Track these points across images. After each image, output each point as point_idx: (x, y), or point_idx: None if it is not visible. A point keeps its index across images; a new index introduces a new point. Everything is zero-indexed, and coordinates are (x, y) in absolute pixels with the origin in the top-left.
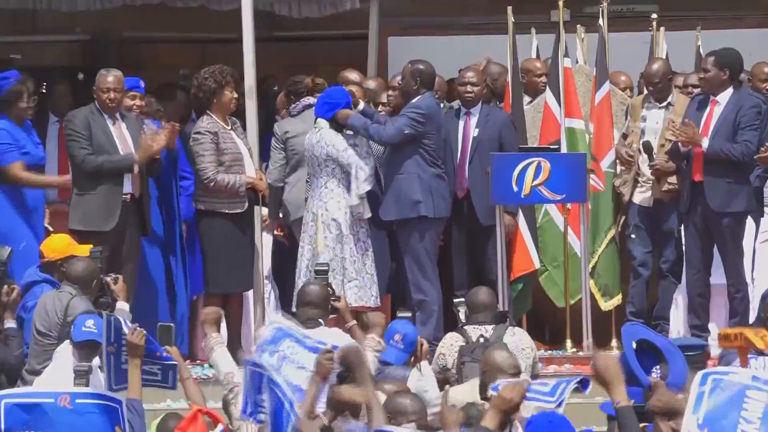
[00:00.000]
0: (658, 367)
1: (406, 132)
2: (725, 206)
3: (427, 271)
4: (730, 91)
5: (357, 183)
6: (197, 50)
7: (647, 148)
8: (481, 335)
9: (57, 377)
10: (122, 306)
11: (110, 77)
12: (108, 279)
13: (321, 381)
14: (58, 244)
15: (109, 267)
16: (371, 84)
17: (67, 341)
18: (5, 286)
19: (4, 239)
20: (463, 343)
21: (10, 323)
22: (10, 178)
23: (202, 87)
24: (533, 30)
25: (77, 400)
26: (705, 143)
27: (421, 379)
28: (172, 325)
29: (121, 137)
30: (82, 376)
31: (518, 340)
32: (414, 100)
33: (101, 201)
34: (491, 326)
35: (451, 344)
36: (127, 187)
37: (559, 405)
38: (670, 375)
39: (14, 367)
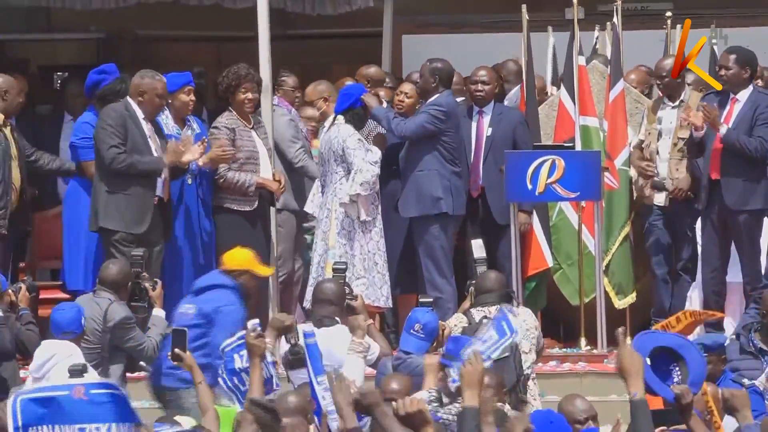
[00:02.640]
0: (676, 365)
1: (427, 127)
2: (742, 204)
3: (443, 269)
4: (750, 89)
5: (352, 184)
6: (212, 48)
7: (659, 186)
8: (484, 316)
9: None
10: (158, 313)
11: (162, 83)
12: (147, 284)
13: (260, 361)
14: (240, 257)
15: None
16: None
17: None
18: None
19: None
20: (466, 325)
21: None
22: (88, 175)
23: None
24: (550, 28)
25: (92, 391)
26: (723, 129)
27: None
28: (186, 329)
29: (153, 139)
30: (76, 375)
31: (521, 320)
32: (433, 98)
33: (135, 202)
34: (495, 307)
35: (454, 325)
36: (159, 190)
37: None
38: (690, 372)
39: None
